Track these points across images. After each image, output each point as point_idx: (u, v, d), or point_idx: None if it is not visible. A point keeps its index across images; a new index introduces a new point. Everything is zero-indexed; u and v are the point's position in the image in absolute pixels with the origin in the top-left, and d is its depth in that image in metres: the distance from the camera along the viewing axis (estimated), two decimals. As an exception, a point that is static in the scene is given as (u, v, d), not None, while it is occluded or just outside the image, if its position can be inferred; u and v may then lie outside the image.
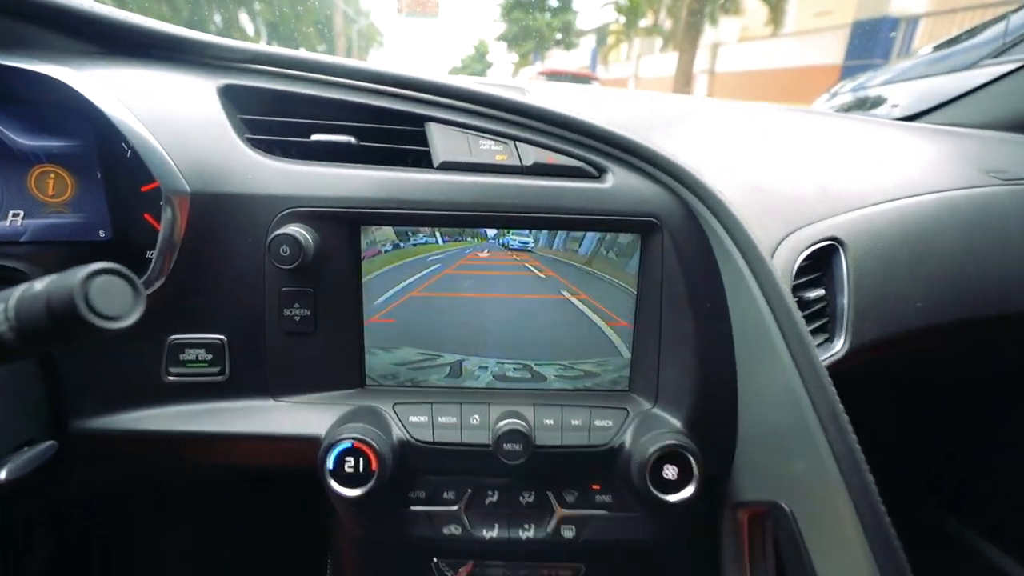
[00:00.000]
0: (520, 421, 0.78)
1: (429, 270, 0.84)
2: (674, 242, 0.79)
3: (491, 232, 0.83)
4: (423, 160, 0.83)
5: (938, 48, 1.80)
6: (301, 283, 0.80)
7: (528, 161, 0.82)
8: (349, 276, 0.82)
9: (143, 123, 0.74)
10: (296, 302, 0.80)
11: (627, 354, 0.87)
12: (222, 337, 0.80)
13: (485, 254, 0.84)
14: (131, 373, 0.80)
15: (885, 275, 0.93)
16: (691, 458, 0.76)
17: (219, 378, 0.81)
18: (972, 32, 1.68)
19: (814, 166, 1.07)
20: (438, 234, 0.83)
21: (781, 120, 1.27)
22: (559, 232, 0.83)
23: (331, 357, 0.83)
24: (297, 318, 0.80)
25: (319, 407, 0.83)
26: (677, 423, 0.82)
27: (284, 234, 0.74)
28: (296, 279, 0.79)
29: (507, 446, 0.76)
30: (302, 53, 0.85)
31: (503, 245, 0.84)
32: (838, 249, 0.92)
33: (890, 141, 1.25)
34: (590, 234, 0.83)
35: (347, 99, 0.84)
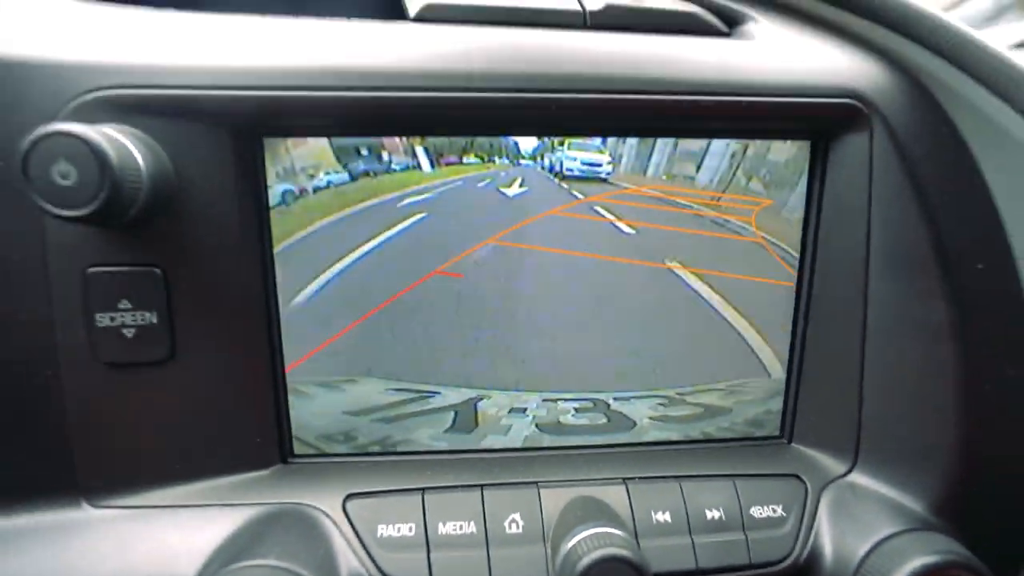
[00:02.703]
0: (617, 531, 0.37)
1: (404, 226, 0.42)
2: (894, 144, 0.40)
3: (526, 145, 0.42)
4: (384, 10, 0.42)
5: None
6: (131, 256, 0.37)
7: (595, 4, 0.42)
8: (244, 241, 0.40)
9: None
10: (124, 297, 0.37)
11: (778, 370, 0.47)
12: None
13: (516, 188, 0.43)
14: None
15: None
16: (980, 587, 0.36)
17: None
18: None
19: None
20: (421, 151, 0.42)
21: None
22: (657, 144, 0.43)
23: (209, 408, 0.41)
24: (129, 331, 0.38)
25: (184, 517, 0.40)
26: (913, 504, 0.42)
27: (67, 137, 0.31)
28: (119, 247, 0.37)
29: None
30: None
31: (550, 171, 0.43)
32: None
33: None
34: (716, 146, 0.43)
35: None
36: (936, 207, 0.39)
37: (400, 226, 0.43)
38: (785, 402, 0.48)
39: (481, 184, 0.43)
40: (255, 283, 0.41)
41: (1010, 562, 0.43)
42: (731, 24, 0.43)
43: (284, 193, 0.41)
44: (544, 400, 0.46)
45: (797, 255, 0.45)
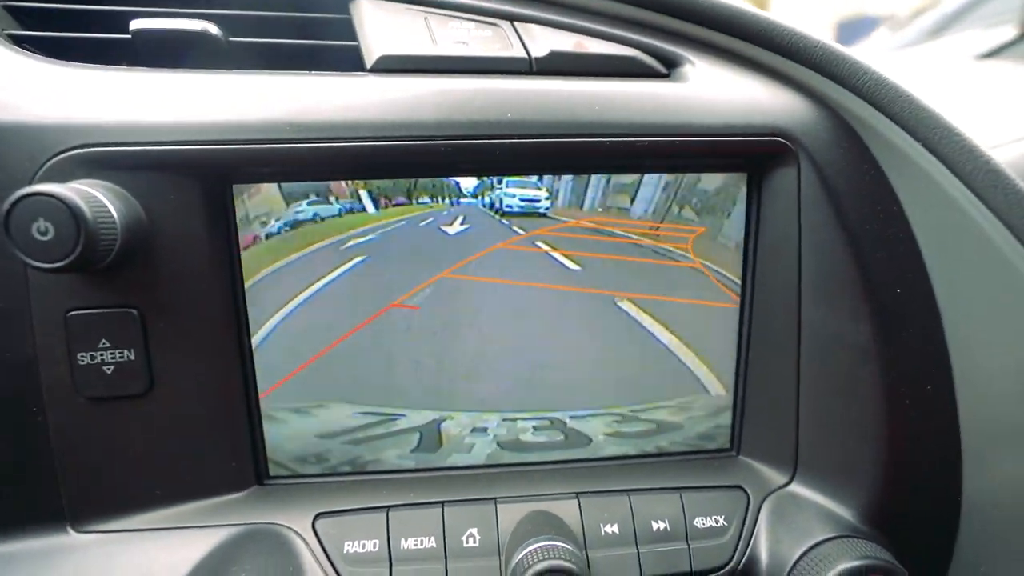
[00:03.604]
0: (562, 543, 0.40)
1: (348, 267, 0.45)
2: (820, 178, 0.43)
3: (467, 184, 0.45)
4: (346, 62, 0.45)
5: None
6: (109, 299, 0.40)
7: (540, 51, 0.45)
8: (215, 279, 0.42)
9: None
10: (104, 337, 0.40)
11: (717, 388, 0.50)
12: None
13: (456, 226, 0.45)
14: None
15: None
16: (899, 588, 0.39)
17: None
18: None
19: None
20: (365, 195, 0.44)
21: None
22: (592, 179, 0.46)
23: (187, 435, 0.44)
24: (108, 368, 0.41)
25: (164, 539, 0.43)
26: (845, 513, 0.45)
27: (43, 197, 0.34)
28: (98, 291, 0.40)
29: (544, 606, 0.38)
30: None
31: (491, 208, 0.45)
32: None
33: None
34: (649, 177, 0.46)
35: None
36: (859, 236, 0.43)
37: (345, 267, 0.45)
38: (733, 417, 0.51)
39: (423, 223, 0.45)
40: (227, 318, 0.44)
41: (936, 569, 0.46)
42: (669, 66, 0.46)
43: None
44: (504, 419, 0.49)
45: (734, 279, 0.48)
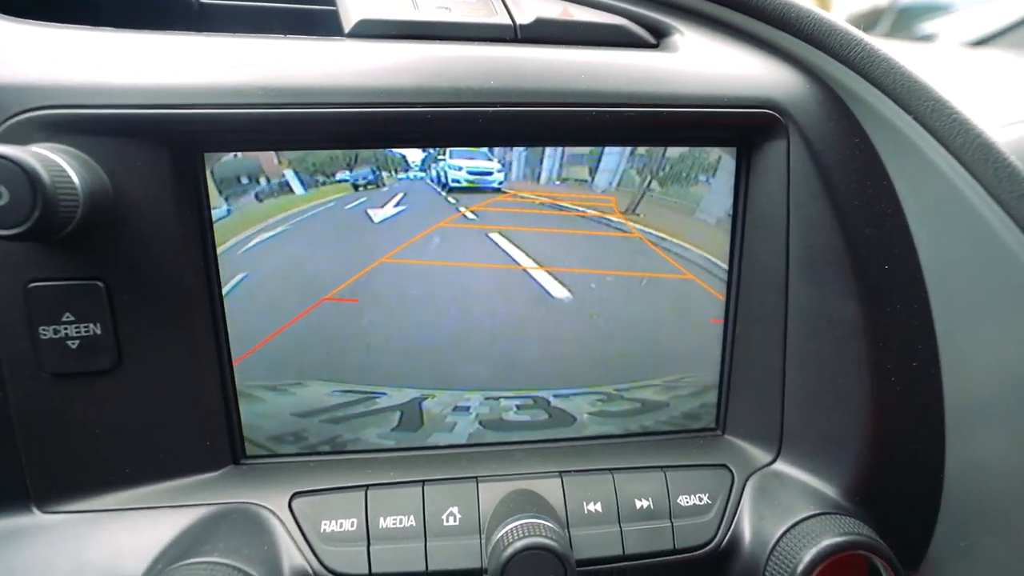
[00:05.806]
0: (543, 521, 0.39)
1: (236, 279, 0.43)
2: (810, 152, 0.42)
3: (414, 157, 0.43)
4: (323, 26, 0.43)
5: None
6: (73, 270, 0.38)
7: (525, 18, 0.43)
8: (186, 250, 0.41)
9: None
10: (68, 310, 0.39)
11: (697, 368, 0.49)
12: None
13: (390, 208, 0.43)
14: None
15: None
16: (881, 565, 0.39)
17: None
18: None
19: None
20: (292, 174, 0.42)
21: None
22: (547, 149, 0.44)
23: (159, 413, 0.42)
24: (73, 343, 0.39)
25: (134, 520, 0.41)
26: (828, 490, 0.45)
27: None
28: (60, 261, 0.38)
29: (525, 584, 0.37)
30: None
31: (439, 183, 0.44)
32: None
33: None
34: (610, 151, 0.44)
35: None
36: (848, 212, 0.42)
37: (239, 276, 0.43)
38: (719, 396, 0.50)
39: (350, 206, 0.43)
40: (199, 290, 0.42)
41: (917, 544, 0.46)
42: (658, 36, 0.45)
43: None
44: (487, 398, 0.48)
45: (726, 263, 0.47)
